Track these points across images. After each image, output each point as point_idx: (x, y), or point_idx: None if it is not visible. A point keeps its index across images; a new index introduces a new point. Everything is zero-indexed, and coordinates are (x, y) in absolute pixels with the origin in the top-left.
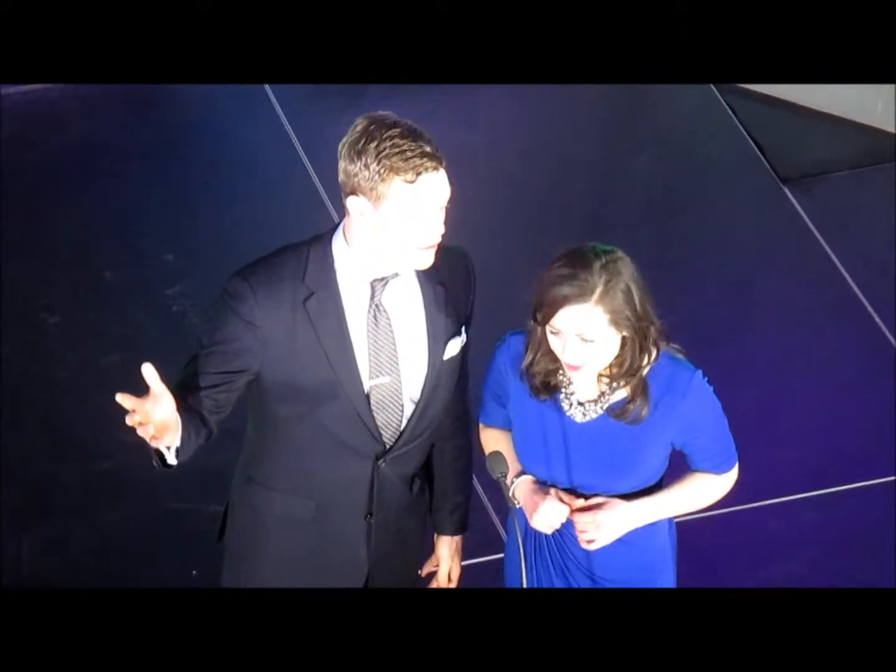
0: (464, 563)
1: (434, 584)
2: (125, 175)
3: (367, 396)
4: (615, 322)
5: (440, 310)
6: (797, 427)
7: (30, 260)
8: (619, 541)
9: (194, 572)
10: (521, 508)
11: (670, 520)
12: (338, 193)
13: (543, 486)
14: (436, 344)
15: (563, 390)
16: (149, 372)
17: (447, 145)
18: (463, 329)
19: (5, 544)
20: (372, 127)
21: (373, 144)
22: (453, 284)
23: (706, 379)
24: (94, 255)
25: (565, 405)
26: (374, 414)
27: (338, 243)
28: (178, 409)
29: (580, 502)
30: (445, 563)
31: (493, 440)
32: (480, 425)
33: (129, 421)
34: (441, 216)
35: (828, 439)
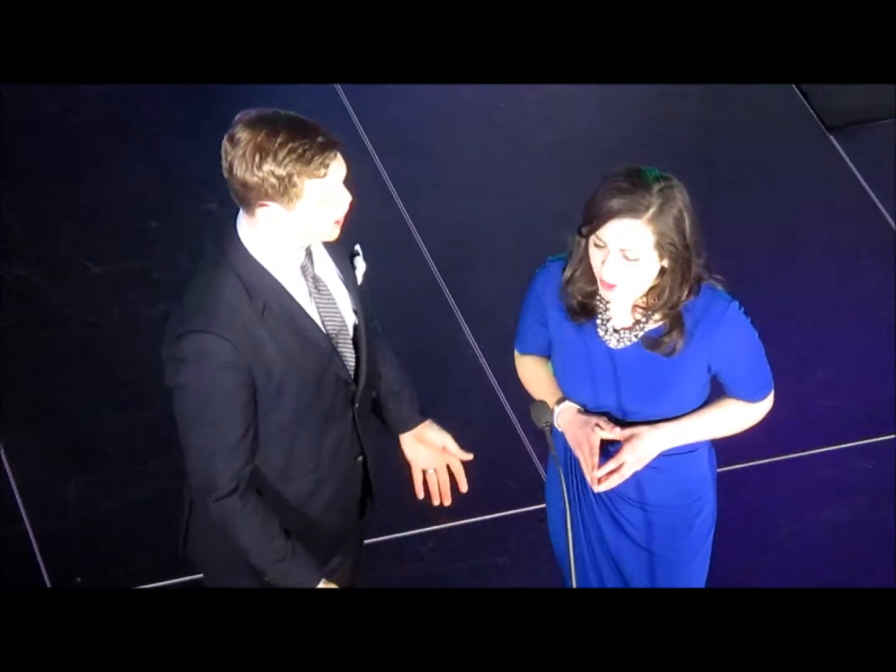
0: (507, 512)
1: (446, 460)
2: (169, 124)
3: (336, 352)
4: (660, 245)
5: (336, 248)
6: (844, 374)
7: (75, 209)
8: (658, 469)
9: None
10: (562, 434)
11: (710, 448)
12: (380, 137)
13: (585, 412)
14: (353, 285)
15: (600, 316)
16: None
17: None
18: (359, 254)
19: (53, 491)
20: (260, 138)
21: (269, 157)
22: None
23: (743, 310)
24: (140, 205)
25: (601, 331)
26: (345, 364)
27: (257, 250)
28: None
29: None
30: (444, 437)
31: (529, 368)
32: (517, 354)
33: None
34: (346, 188)
35: (875, 386)
